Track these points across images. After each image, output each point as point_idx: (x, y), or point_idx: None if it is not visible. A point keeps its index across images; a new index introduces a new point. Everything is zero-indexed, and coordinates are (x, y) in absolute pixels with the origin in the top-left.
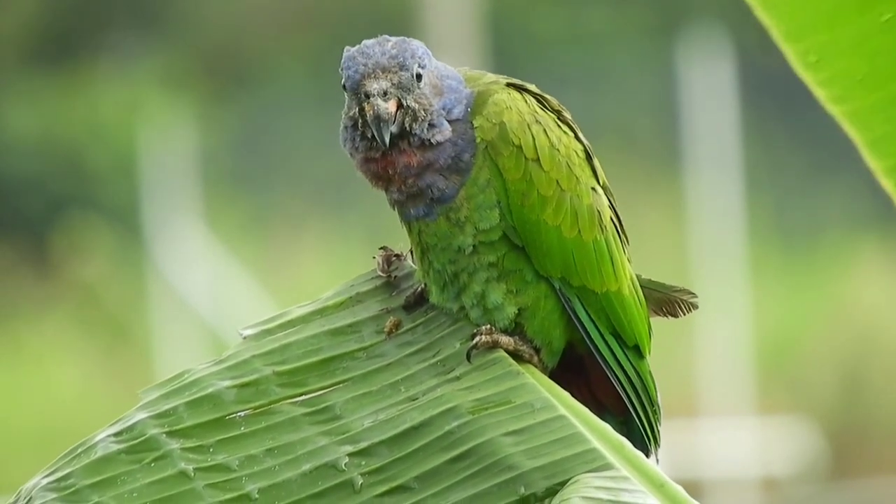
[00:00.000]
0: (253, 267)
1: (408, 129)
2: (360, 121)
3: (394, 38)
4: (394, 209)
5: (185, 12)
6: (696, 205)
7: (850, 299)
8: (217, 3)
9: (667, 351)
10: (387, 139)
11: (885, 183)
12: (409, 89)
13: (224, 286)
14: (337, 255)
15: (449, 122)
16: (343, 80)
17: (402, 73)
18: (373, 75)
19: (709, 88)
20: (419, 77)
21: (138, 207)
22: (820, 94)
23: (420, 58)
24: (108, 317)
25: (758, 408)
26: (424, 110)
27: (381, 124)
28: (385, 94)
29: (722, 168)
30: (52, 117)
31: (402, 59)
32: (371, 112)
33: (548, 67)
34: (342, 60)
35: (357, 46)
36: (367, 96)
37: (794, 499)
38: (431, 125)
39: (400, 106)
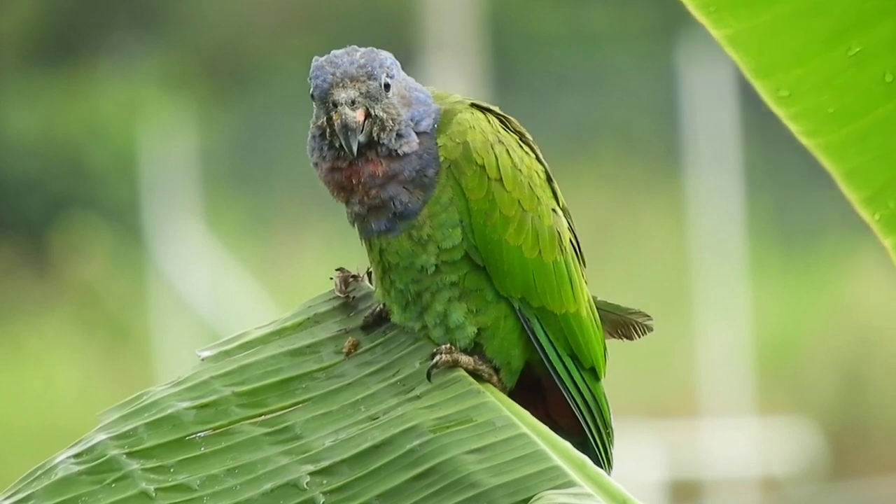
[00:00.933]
0: (253, 267)
1: (375, 138)
2: (328, 130)
3: (362, 49)
4: (353, 225)
5: (185, 12)
6: (696, 205)
7: (850, 299)
8: (217, 3)
9: (667, 351)
10: (354, 148)
11: (863, 213)
12: (377, 99)
13: (224, 286)
14: (337, 256)
15: (416, 133)
16: (311, 90)
17: (371, 83)
18: (341, 84)
19: (709, 88)
20: (387, 87)
21: (138, 207)
22: (793, 127)
23: (388, 68)
24: (108, 317)
25: (758, 408)
26: (392, 120)
27: (349, 133)
28: (353, 103)
29: (722, 168)
30: (52, 117)
31: (370, 68)
32: (339, 121)
33: (548, 67)
34: (310, 70)
35: (325, 56)
36: (335, 105)
37: (794, 499)
38: (399, 135)
39: (368, 115)
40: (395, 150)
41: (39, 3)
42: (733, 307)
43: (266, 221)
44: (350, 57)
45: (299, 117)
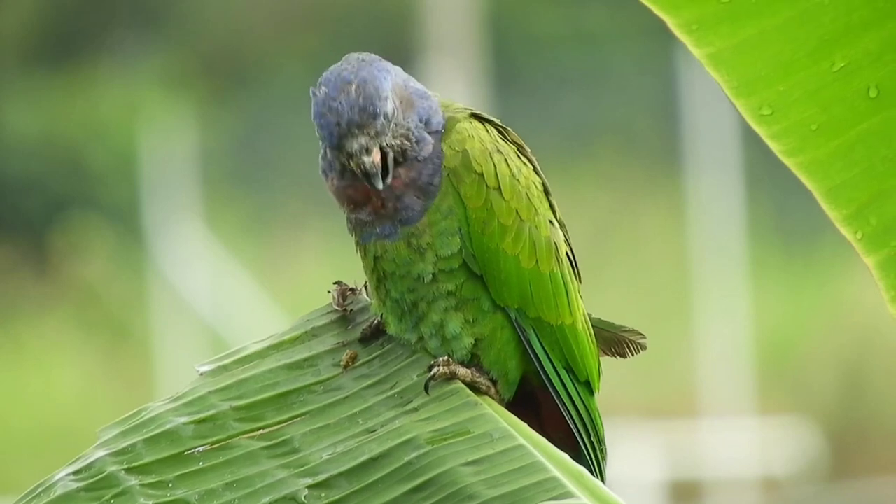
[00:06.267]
0: (253, 267)
1: (400, 160)
2: (349, 171)
3: (354, 81)
4: (352, 233)
5: (185, 12)
6: (696, 205)
7: (850, 299)
8: (217, 4)
9: (667, 351)
10: (381, 185)
11: (845, 231)
12: (384, 132)
13: (224, 286)
14: (337, 255)
15: (429, 133)
16: (319, 135)
17: (376, 122)
18: (348, 134)
19: (709, 89)
20: (387, 116)
21: (138, 207)
22: (774, 146)
23: (383, 91)
24: (108, 317)
25: (758, 408)
26: (406, 138)
27: (372, 177)
28: (366, 150)
29: (722, 168)
30: (52, 117)
31: (371, 108)
32: (359, 170)
33: (548, 67)
34: (312, 107)
35: (321, 95)
36: (350, 156)
37: (794, 499)
38: (417, 142)
39: (382, 151)
40: (417, 157)
41: (39, 3)
42: (733, 308)
43: (266, 221)
44: (347, 98)
45: (299, 117)
